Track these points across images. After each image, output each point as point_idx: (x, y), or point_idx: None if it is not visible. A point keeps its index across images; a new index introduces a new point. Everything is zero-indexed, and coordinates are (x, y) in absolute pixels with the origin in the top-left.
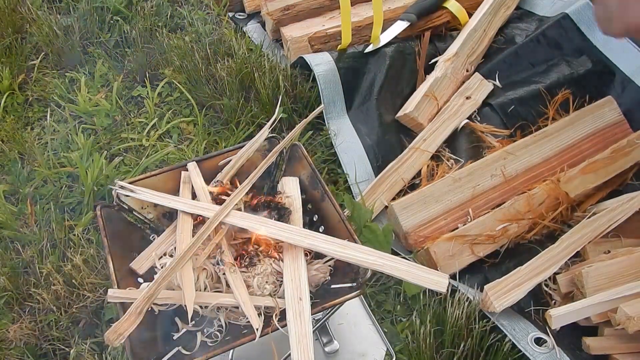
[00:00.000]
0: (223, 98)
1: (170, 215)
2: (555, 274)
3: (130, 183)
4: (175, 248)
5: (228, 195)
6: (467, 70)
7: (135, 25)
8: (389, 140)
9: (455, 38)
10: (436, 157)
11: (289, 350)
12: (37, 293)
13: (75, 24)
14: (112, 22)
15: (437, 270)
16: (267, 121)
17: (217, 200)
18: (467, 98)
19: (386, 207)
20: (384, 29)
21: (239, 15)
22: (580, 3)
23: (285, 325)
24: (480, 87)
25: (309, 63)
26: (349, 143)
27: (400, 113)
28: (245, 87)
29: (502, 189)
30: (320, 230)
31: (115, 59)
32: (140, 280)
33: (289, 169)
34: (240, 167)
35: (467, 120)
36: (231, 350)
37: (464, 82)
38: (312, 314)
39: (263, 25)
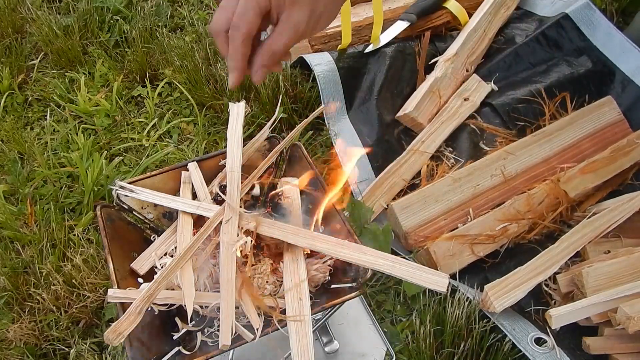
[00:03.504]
0: (223, 98)
1: (170, 215)
2: (555, 274)
3: (130, 183)
4: (176, 248)
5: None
6: (467, 70)
7: (135, 25)
8: (389, 140)
9: (455, 38)
10: (436, 157)
11: (289, 350)
12: (37, 293)
13: (75, 24)
14: (112, 22)
15: (437, 270)
16: (267, 121)
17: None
18: (465, 99)
19: (386, 207)
20: (384, 29)
21: None
22: (580, 3)
23: (285, 325)
24: (479, 89)
25: (309, 63)
26: (349, 143)
27: (400, 113)
28: (245, 87)
29: (502, 188)
30: (320, 230)
31: (115, 59)
32: (141, 280)
33: (289, 169)
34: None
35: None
36: (231, 351)
37: (463, 82)
38: (312, 314)
39: None
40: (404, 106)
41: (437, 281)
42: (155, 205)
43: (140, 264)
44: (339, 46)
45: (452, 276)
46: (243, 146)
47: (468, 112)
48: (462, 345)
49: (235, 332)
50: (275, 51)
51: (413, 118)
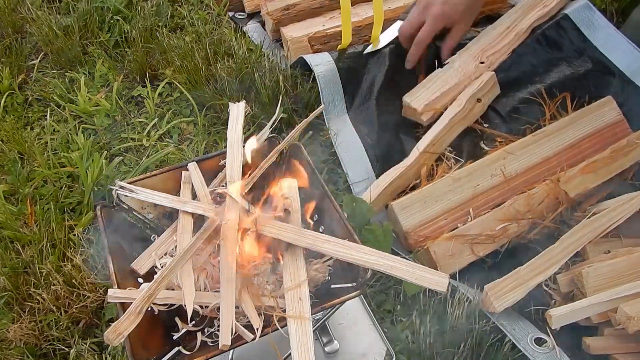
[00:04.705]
0: (223, 98)
1: (170, 215)
2: (555, 274)
3: (130, 183)
4: (176, 248)
5: None
6: (481, 62)
7: (135, 25)
8: (389, 140)
9: None
10: (436, 157)
11: (289, 350)
12: (37, 293)
13: (75, 24)
14: (112, 22)
15: (437, 270)
16: (267, 121)
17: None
18: (478, 101)
19: (386, 207)
20: (384, 29)
21: (239, 15)
22: (580, 3)
23: (285, 325)
24: (492, 90)
25: (309, 63)
26: (349, 143)
27: (405, 99)
28: (245, 87)
29: (502, 188)
30: (320, 230)
31: (115, 59)
32: (141, 280)
33: (289, 169)
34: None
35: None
36: (231, 351)
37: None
38: (312, 314)
39: (263, 25)
40: (408, 94)
41: (437, 281)
42: (155, 205)
43: (140, 264)
44: (339, 46)
45: (452, 276)
46: (243, 146)
47: (479, 114)
48: (462, 345)
49: (235, 332)
50: (453, 46)
51: (415, 109)
